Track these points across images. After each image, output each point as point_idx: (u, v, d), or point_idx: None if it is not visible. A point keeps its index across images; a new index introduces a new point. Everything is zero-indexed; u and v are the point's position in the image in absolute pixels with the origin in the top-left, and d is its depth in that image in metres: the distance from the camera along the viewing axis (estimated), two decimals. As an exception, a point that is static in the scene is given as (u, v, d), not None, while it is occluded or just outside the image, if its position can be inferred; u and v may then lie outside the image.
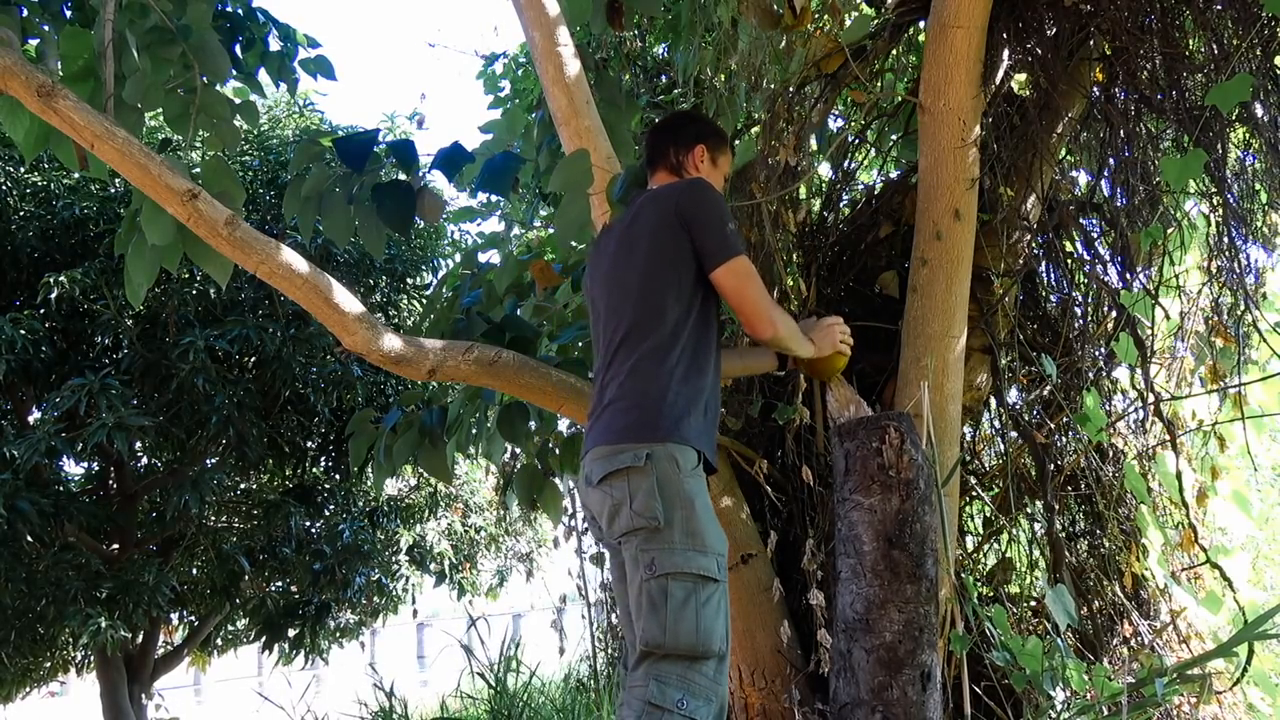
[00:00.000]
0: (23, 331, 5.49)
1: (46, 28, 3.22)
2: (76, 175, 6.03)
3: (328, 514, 7.09)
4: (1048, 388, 3.17)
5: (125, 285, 2.75)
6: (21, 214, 6.06)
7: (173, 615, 7.33)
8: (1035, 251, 3.29)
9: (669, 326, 2.04)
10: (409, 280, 7.13)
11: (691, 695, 1.88)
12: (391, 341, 2.45)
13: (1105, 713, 2.50)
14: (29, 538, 5.60)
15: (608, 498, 1.99)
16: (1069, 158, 3.52)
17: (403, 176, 2.86)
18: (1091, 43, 3.02)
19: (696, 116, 2.48)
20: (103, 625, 5.62)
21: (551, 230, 4.57)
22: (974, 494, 3.25)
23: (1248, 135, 3.22)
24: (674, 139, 2.33)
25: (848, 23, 3.19)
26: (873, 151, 3.66)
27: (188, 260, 2.73)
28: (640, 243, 2.10)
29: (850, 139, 3.52)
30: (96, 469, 6.81)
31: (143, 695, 7.06)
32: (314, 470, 7.26)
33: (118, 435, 5.36)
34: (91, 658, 6.89)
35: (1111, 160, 3.21)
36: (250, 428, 6.07)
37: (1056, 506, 3.07)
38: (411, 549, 7.54)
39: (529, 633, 8.02)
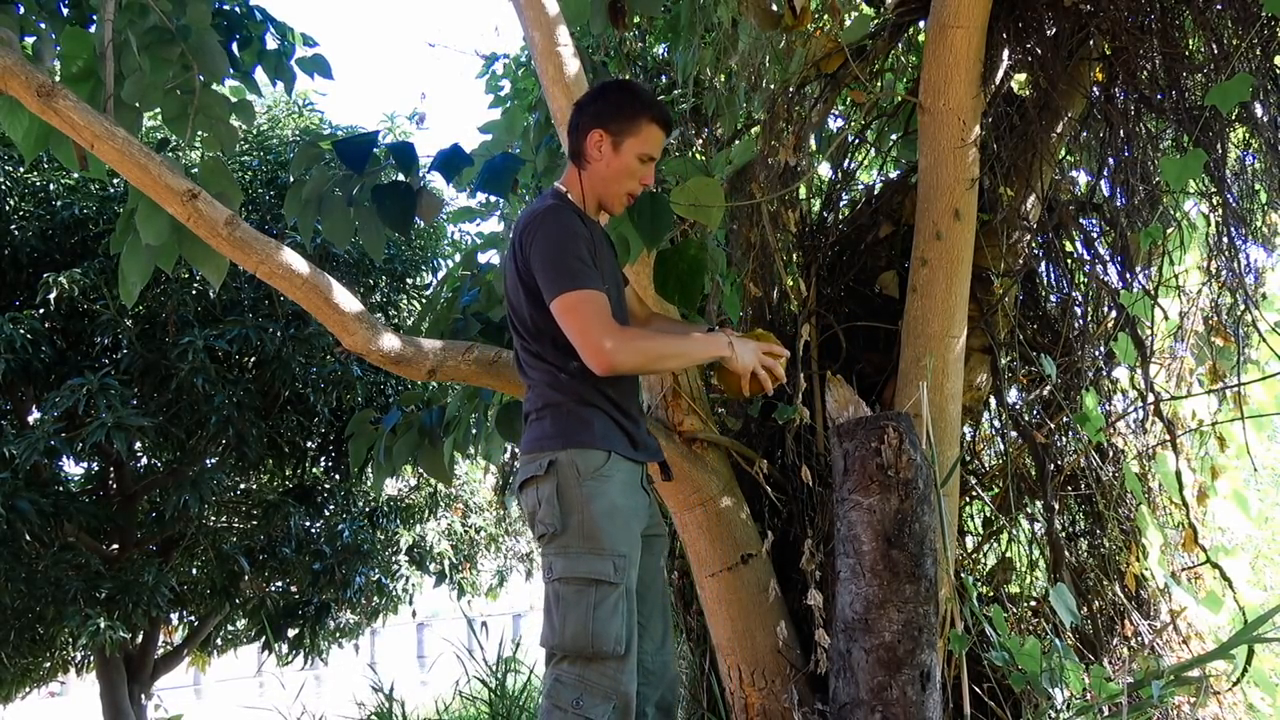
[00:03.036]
0: (23, 331, 5.49)
1: (43, 25, 3.22)
2: (76, 175, 6.03)
3: (328, 514, 7.10)
4: (1048, 388, 3.17)
5: (120, 285, 2.75)
6: (21, 214, 6.06)
7: (172, 615, 7.34)
8: (1035, 251, 3.28)
9: (551, 341, 2.03)
10: (409, 280, 7.14)
11: (588, 694, 1.92)
12: (391, 341, 2.45)
13: (1104, 713, 2.49)
14: (29, 538, 5.60)
15: (525, 505, 2.05)
16: (1069, 158, 3.52)
17: (402, 177, 2.86)
18: (1091, 43, 3.02)
19: (606, 89, 2.20)
20: (102, 625, 5.62)
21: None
22: (974, 494, 3.25)
23: (1248, 135, 3.22)
24: (576, 122, 2.16)
25: (848, 23, 3.19)
26: (873, 151, 3.66)
27: (187, 260, 2.73)
28: (509, 265, 2.10)
29: (850, 139, 3.52)
30: (96, 469, 6.81)
31: (142, 695, 7.06)
32: (314, 470, 7.27)
33: (117, 435, 5.36)
34: (91, 658, 6.89)
35: (1111, 160, 3.20)
36: (250, 428, 6.07)
37: (1056, 506, 3.07)
38: (411, 549, 7.54)
39: (529, 633, 8.02)
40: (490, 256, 5.29)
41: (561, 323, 1.96)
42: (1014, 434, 3.18)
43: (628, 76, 4.58)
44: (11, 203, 6.06)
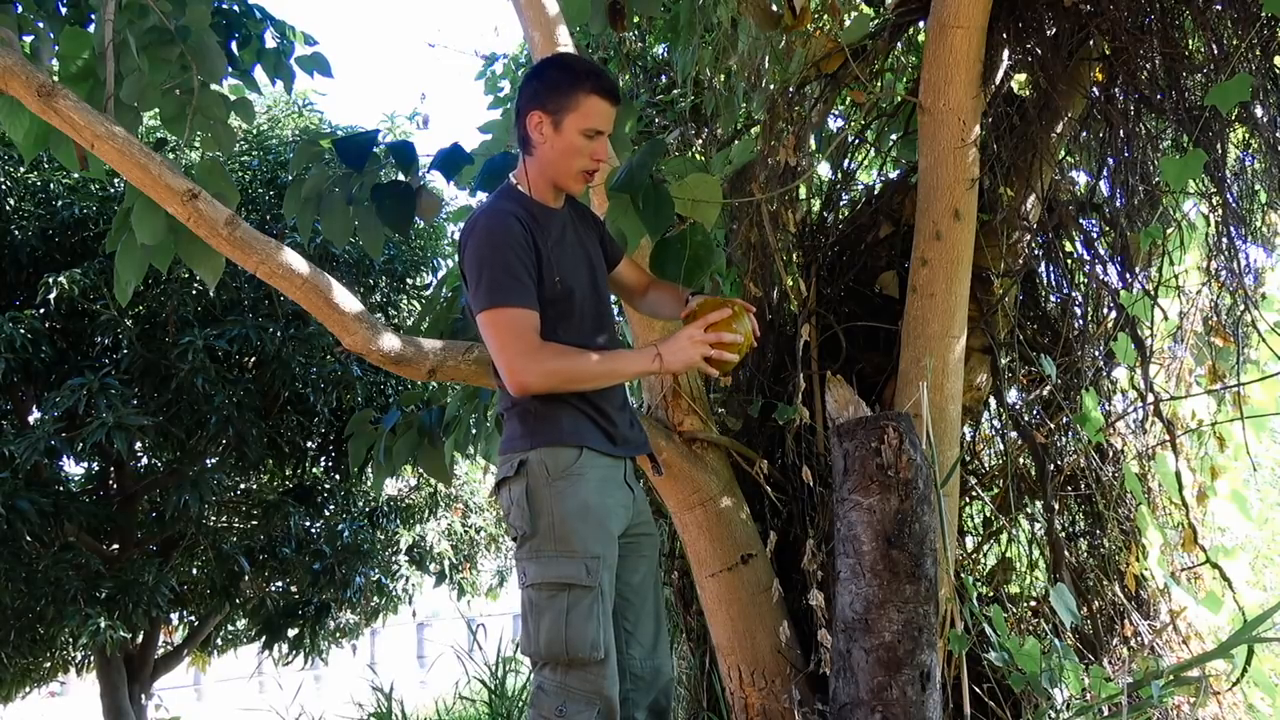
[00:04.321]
0: (23, 331, 5.49)
1: (41, 25, 3.22)
2: (76, 175, 6.03)
3: (328, 514, 7.09)
4: (1048, 388, 3.17)
5: (115, 283, 2.75)
6: (22, 214, 6.06)
7: (173, 615, 7.32)
8: (1035, 251, 3.28)
9: None
10: (409, 280, 7.13)
11: (571, 700, 1.89)
12: (391, 341, 2.45)
13: (1104, 713, 2.49)
14: (29, 538, 5.59)
15: (501, 507, 2.04)
16: (1069, 158, 3.52)
17: (402, 177, 2.86)
18: (1091, 43, 3.02)
19: (541, 68, 2.10)
20: (102, 625, 5.61)
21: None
22: (974, 494, 3.24)
23: (1247, 135, 3.22)
24: (516, 107, 2.06)
25: (848, 23, 3.19)
26: (873, 151, 3.66)
27: (183, 260, 2.73)
28: (460, 267, 2.06)
29: (850, 139, 3.52)
30: (96, 469, 6.80)
31: (143, 695, 7.05)
32: (314, 470, 7.26)
33: (117, 435, 5.36)
34: (91, 658, 6.88)
35: (1111, 160, 3.21)
36: (250, 428, 6.06)
37: (1056, 506, 3.07)
38: (411, 549, 7.53)
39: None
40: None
41: (485, 335, 1.94)
42: (1014, 434, 3.18)
43: (627, 76, 4.58)
44: (11, 203, 6.05)
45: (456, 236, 7.27)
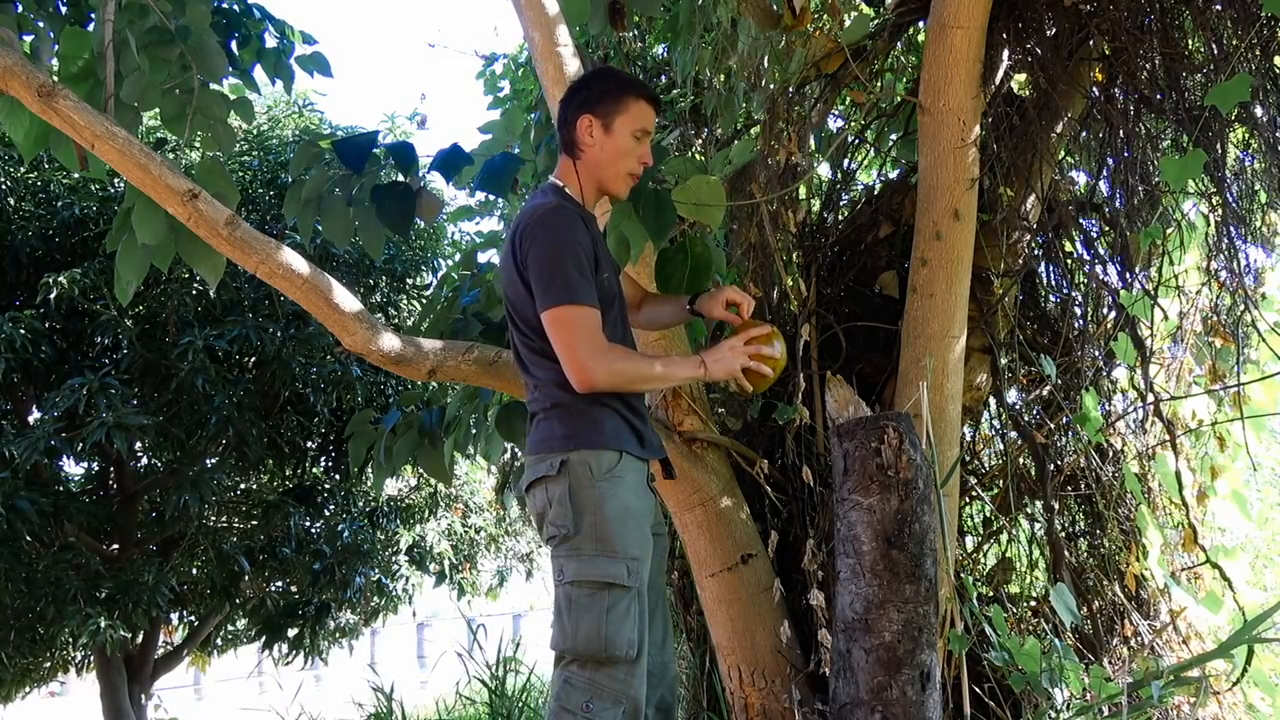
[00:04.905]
0: (23, 331, 5.49)
1: (41, 25, 3.22)
2: (76, 175, 6.03)
3: (328, 514, 7.09)
4: (1048, 388, 3.17)
5: (115, 283, 2.75)
6: (22, 214, 6.06)
7: (173, 615, 7.32)
8: (1035, 251, 3.29)
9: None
10: (409, 280, 7.13)
11: (598, 698, 1.91)
12: (391, 341, 2.45)
13: (1104, 713, 2.50)
14: (29, 538, 5.59)
15: (534, 506, 2.04)
16: (1069, 158, 3.52)
17: (402, 178, 2.86)
18: (1091, 43, 3.02)
19: (587, 78, 2.22)
20: (102, 625, 5.61)
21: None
22: (974, 494, 3.25)
23: (1247, 135, 3.22)
24: (563, 115, 2.16)
25: (848, 23, 3.19)
26: (873, 151, 3.66)
27: (184, 260, 2.72)
28: (508, 262, 2.08)
29: (850, 139, 3.52)
30: (96, 469, 6.80)
31: (143, 695, 7.05)
32: (314, 470, 7.26)
33: (117, 435, 5.36)
34: (91, 658, 6.88)
35: (1111, 160, 3.21)
36: (250, 428, 6.06)
37: (1056, 506, 3.07)
38: (411, 549, 7.54)
39: (529, 633, 8.04)
40: (490, 256, 5.30)
41: (550, 333, 1.97)
42: (1014, 434, 3.18)
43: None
44: (11, 203, 6.05)
45: (456, 237, 7.31)
